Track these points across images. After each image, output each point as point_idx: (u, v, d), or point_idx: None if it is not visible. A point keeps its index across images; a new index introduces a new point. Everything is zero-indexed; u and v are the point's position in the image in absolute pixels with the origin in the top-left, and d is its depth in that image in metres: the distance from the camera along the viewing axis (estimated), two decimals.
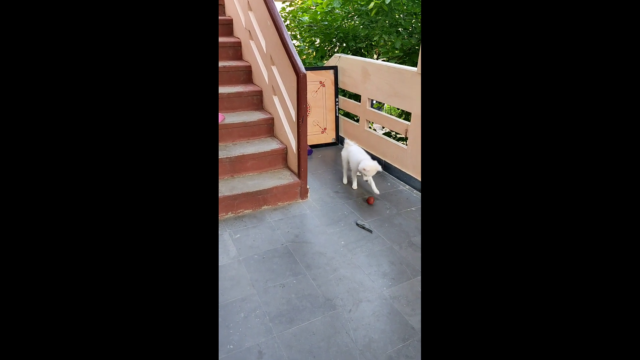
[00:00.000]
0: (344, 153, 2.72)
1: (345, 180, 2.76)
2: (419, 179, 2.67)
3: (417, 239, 2.11)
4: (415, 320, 1.56)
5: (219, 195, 2.24)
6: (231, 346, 1.42)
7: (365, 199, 2.50)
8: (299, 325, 1.53)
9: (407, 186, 2.76)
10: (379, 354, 1.40)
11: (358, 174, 2.55)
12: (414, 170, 2.71)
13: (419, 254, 1.98)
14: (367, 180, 2.47)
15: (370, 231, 2.18)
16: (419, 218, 2.33)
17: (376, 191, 2.52)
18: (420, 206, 2.48)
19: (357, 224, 2.24)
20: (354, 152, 2.60)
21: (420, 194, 2.65)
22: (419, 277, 1.81)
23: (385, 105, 5.59)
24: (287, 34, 2.35)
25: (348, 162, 2.67)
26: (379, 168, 2.44)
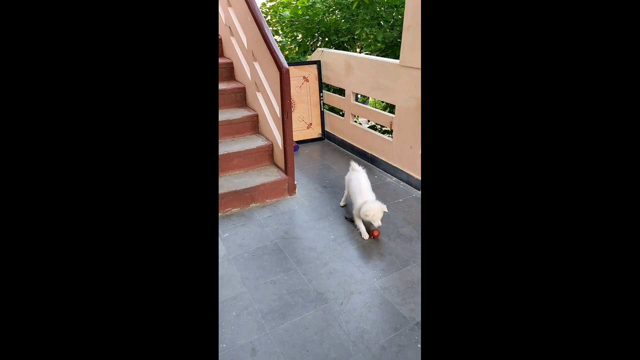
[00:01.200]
0: (347, 178, 2.29)
1: (342, 202, 2.40)
2: (405, 170, 2.70)
3: (405, 230, 2.14)
4: (406, 310, 1.58)
5: None
6: (224, 345, 1.42)
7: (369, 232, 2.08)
8: (292, 320, 1.53)
9: (394, 178, 2.79)
10: (371, 345, 1.42)
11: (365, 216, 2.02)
12: (400, 162, 2.74)
13: (407, 245, 2.01)
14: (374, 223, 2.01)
15: None
16: (407, 209, 2.36)
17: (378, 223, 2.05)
18: (407, 197, 2.51)
19: (346, 218, 2.25)
20: (356, 184, 2.15)
21: (406, 185, 2.68)
22: (408, 267, 1.84)
23: (370, 98, 5.61)
24: (268, 30, 2.32)
25: (348, 191, 2.27)
26: (385, 208, 2.00)
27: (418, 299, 1.64)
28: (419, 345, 1.41)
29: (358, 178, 2.16)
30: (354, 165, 2.28)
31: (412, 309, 1.59)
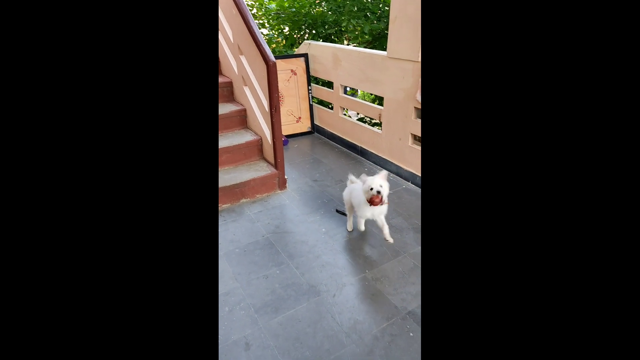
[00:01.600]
0: (345, 193, 2.06)
1: (349, 227, 2.10)
2: (395, 162, 2.71)
3: (396, 221, 2.16)
4: (397, 299, 1.60)
5: None
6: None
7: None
8: (285, 313, 1.54)
9: (384, 170, 2.80)
10: (364, 335, 1.44)
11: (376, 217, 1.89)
12: (389, 154, 2.75)
13: (398, 236, 2.03)
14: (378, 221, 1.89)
15: None
16: (397, 201, 2.38)
17: (389, 239, 1.93)
18: (397, 189, 2.53)
19: (337, 211, 2.26)
20: (356, 190, 1.91)
21: (396, 176, 2.70)
22: (399, 258, 1.86)
23: (360, 91, 5.59)
24: (253, 23, 2.29)
25: (352, 205, 1.99)
26: (384, 174, 1.78)
27: (409, 288, 1.66)
28: (411, 334, 1.44)
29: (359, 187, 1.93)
30: (352, 177, 2.06)
31: (404, 298, 1.61)
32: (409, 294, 1.63)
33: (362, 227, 2.02)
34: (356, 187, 1.93)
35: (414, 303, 1.58)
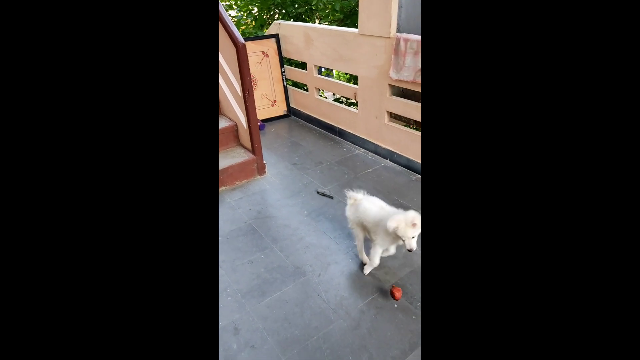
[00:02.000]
0: (350, 213, 1.64)
1: (365, 259, 1.66)
2: (372, 141, 2.73)
3: None
4: (381, 273, 1.65)
5: None
6: None
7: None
8: (272, 296, 1.56)
9: (362, 149, 2.82)
10: (351, 310, 1.48)
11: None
12: (367, 133, 2.76)
13: None
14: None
15: (332, 197, 2.22)
16: (376, 179, 2.41)
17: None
18: (375, 167, 2.56)
19: (318, 192, 2.27)
20: (375, 212, 1.53)
21: (374, 155, 2.72)
22: None
23: (335, 71, 5.53)
24: (220, 4, 2.20)
25: (362, 225, 1.59)
26: (417, 220, 1.32)
27: (391, 262, 1.71)
28: (395, 306, 1.49)
29: (372, 203, 1.57)
30: (352, 194, 1.64)
31: (387, 272, 1.66)
32: (391, 267, 1.68)
33: (377, 262, 1.60)
34: (369, 206, 1.55)
35: (397, 276, 1.64)
